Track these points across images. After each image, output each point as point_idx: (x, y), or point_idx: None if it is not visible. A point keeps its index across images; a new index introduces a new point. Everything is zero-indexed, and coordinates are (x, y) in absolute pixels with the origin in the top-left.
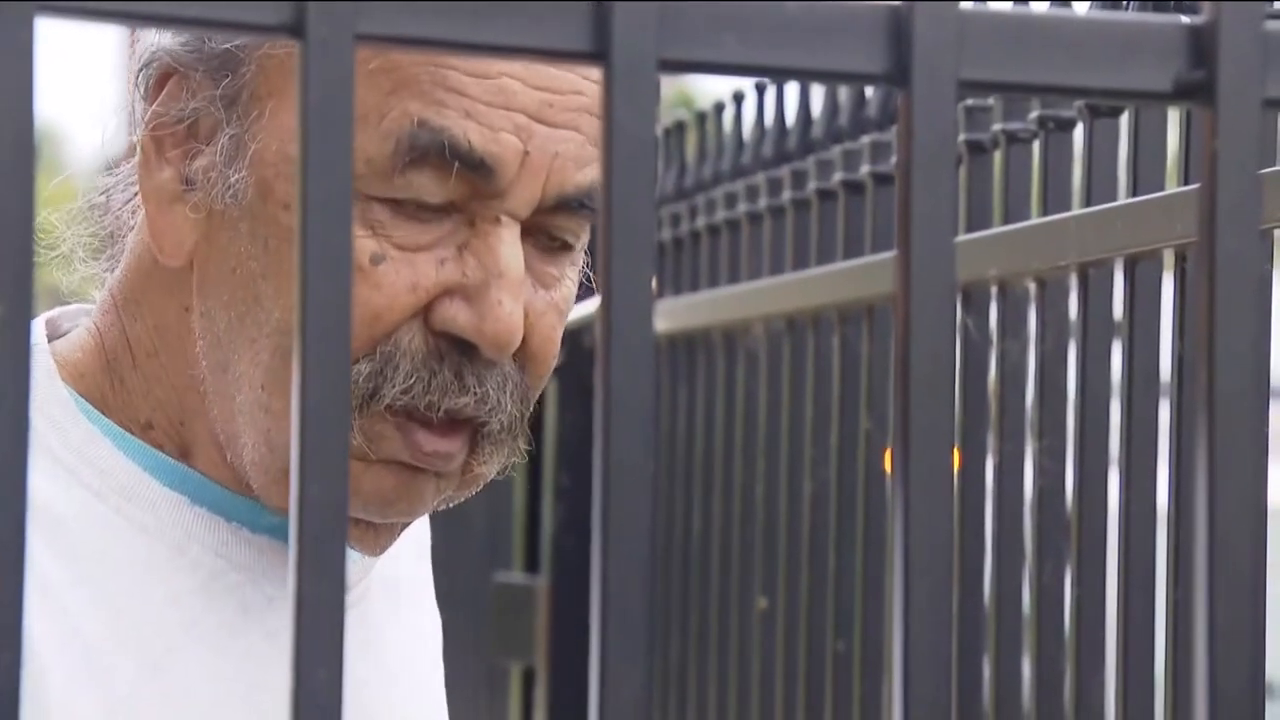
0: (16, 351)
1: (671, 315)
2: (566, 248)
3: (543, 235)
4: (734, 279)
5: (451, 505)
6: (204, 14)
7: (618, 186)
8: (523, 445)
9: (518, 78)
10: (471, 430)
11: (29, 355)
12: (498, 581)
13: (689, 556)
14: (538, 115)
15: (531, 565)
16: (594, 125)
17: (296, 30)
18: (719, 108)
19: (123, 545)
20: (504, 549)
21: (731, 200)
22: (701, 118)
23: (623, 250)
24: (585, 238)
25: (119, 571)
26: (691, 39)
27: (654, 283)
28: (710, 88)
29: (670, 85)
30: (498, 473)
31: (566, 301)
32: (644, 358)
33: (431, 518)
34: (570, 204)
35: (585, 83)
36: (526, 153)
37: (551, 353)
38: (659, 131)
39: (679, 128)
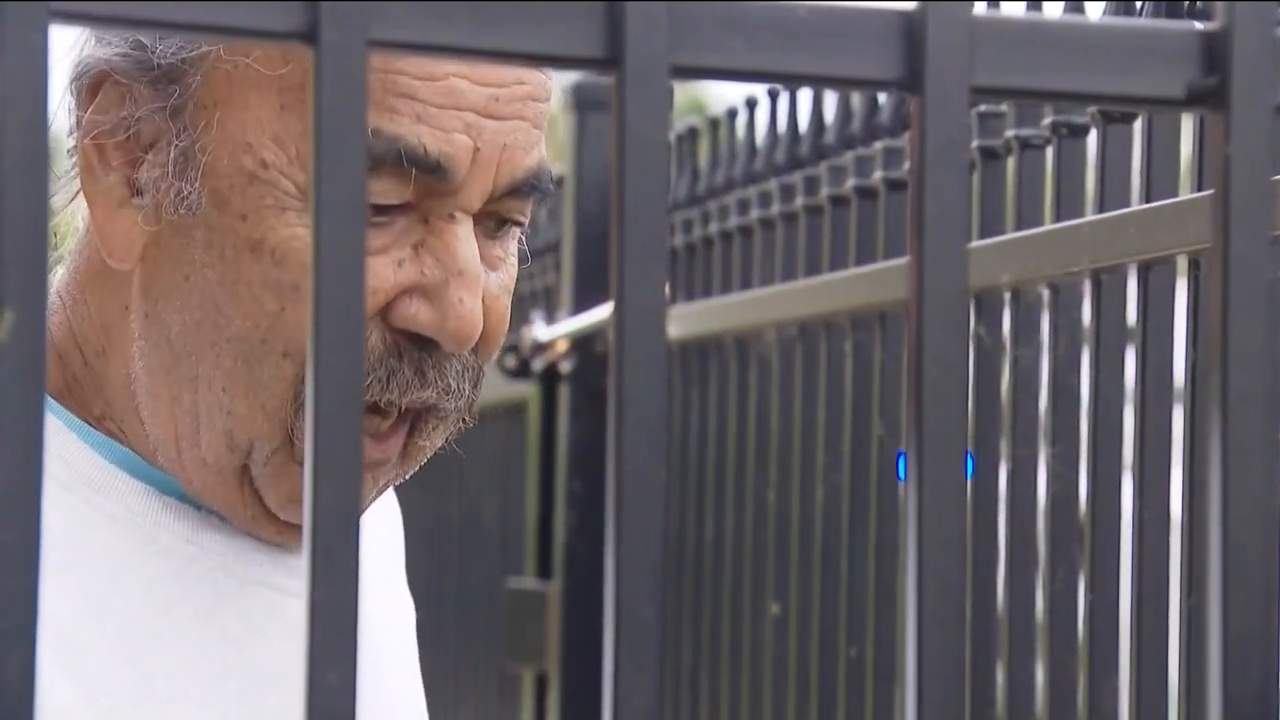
0: (31, 356)
1: (684, 321)
2: (514, 226)
3: (491, 220)
4: (746, 285)
5: (394, 486)
6: (215, 19)
7: (630, 192)
8: (468, 419)
9: (465, 76)
10: (416, 414)
11: (43, 360)
12: (510, 587)
13: (701, 562)
14: (485, 111)
15: (544, 571)
16: (537, 110)
17: (309, 36)
18: (731, 113)
19: (92, 533)
20: (516, 554)
21: (744, 206)
22: (714, 123)
23: (635, 256)
24: (529, 216)
25: (90, 558)
26: (702, 45)
27: (666, 289)
28: (722, 93)
29: (683, 91)
30: (440, 446)
31: (512, 279)
32: (656, 364)
33: (443, 524)
34: (520, 189)
35: (527, 71)
36: (477, 149)
37: (503, 331)
38: (671, 137)
39: (691, 134)
